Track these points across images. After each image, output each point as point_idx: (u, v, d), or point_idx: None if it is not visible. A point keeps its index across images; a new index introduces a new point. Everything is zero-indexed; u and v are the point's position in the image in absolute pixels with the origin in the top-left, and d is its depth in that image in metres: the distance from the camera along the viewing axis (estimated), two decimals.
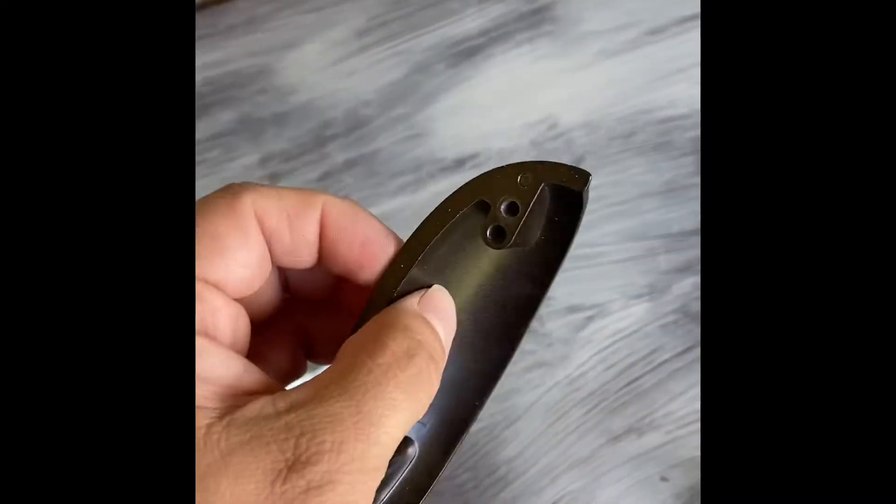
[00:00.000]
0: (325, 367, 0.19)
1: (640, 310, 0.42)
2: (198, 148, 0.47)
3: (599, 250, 0.44)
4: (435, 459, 0.21)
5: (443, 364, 0.20)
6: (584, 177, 0.20)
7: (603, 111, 0.48)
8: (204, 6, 0.51)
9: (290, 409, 0.17)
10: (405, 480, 0.20)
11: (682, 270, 0.43)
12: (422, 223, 0.21)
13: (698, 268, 0.43)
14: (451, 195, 0.21)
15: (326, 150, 0.47)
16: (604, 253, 0.44)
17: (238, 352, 0.20)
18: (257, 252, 0.20)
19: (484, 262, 0.21)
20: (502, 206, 0.21)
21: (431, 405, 0.19)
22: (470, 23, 0.52)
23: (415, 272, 0.21)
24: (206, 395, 0.17)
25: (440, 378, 0.19)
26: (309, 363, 0.25)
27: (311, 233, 0.20)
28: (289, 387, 0.19)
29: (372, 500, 0.17)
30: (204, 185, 0.46)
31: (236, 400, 0.18)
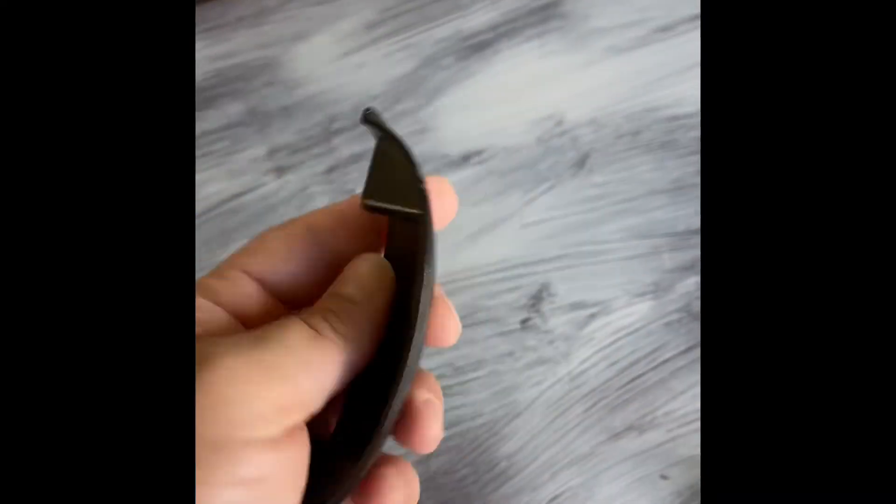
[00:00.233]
0: None
1: (643, 308, 0.42)
2: (205, 140, 0.47)
3: (604, 247, 0.44)
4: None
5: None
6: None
7: (610, 108, 0.48)
8: None
9: None
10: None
11: (687, 269, 0.43)
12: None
13: None
14: None
15: (333, 143, 0.47)
16: (609, 250, 0.44)
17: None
18: None
19: None
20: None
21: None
22: (481, 17, 0.51)
23: None
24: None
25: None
26: None
27: None
28: None
29: None
30: (210, 177, 0.46)
31: None
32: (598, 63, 0.50)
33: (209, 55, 0.50)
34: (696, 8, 0.50)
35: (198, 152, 0.47)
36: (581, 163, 0.46)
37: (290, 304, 0.22)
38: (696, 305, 0.42)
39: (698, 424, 0.40)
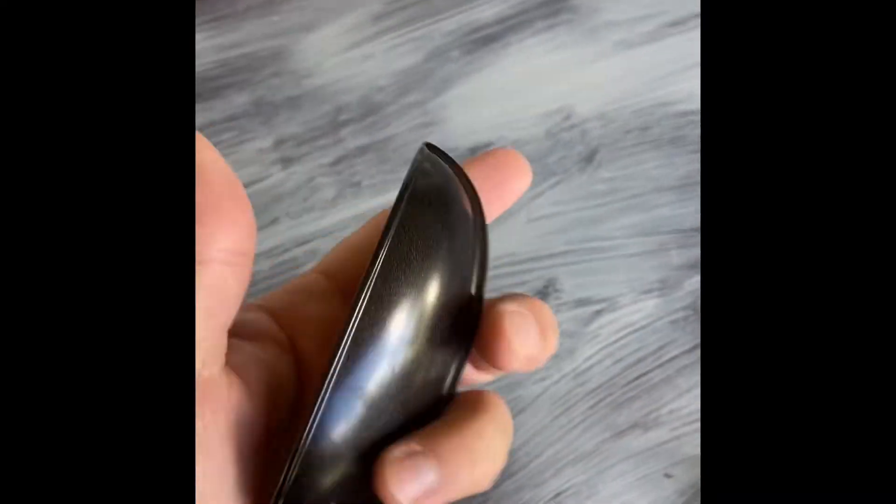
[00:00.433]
0: None
1: (649, 305, 0.42)
2: (211, 130, 0.47)
3: (611, 244, 0.44)
4: None
5: None
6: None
7: (619, 103, 0.48)
8: None
9: None
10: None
11: (694, 266, 0.43)
12: None
13: None
14: None
15: (340, 135, 0.47)
16: (615, 246, 0.44)
17: None
18: None
19: None
20: None
21: None
22: (490, 9, 0.51)
23: None
24: None
25: None
26: None
27: None
28: None
29: None
30: None
31: None
32: (608, 57, 0.49)
33: (216, 45, 0.50)
34: None
35: None
36: (590, 157, 0.46)
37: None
38: None
39: None
